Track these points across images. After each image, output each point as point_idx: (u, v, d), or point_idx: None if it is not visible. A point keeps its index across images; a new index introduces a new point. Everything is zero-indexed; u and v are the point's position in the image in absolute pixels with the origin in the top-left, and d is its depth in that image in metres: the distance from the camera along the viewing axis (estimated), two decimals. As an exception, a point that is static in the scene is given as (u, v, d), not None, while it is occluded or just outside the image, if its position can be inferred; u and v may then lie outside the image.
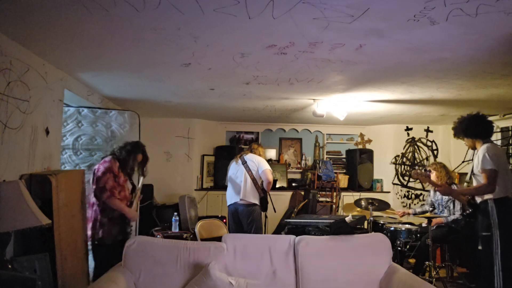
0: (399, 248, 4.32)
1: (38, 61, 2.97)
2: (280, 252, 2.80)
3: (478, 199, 3.27)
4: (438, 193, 4.45)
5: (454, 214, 4.22)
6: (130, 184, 3.40)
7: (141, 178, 3.48)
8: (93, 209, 3.14)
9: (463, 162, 5.74)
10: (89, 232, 3.16)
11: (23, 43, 2.65)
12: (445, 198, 4.35)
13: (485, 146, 3.14)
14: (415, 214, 4.75)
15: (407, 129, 6.69)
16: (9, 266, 2.14)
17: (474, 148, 3.30)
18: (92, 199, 3.15)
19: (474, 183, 3.33)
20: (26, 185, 2.45)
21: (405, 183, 6.63)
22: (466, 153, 5.68)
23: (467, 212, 4.11)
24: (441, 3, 1.89)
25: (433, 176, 4.32)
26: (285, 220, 4.00)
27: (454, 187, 4.23)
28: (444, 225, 4.25)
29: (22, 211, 2.11)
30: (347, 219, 3.10)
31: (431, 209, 4.58)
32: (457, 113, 5.08)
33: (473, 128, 3.23)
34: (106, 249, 3.10)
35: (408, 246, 4.31)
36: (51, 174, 2.85)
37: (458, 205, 4.19)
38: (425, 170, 4.10)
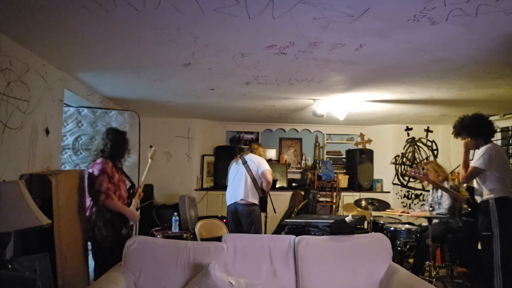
0: (399, 248, 4.32)
1: (38, 61, 2.97)
2: (280, 252, 2.80)
3: (478, 199, 3.27)
4: (435, 191, 4.47)
5: (440, 209, 4.27)
6: (129, 183, 3.32)
7: (148, 164, 3.37)
8: (92, 211, 3.08)
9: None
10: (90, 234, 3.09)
11: (23, 43, 2.65)
12: (439, 194, 4.36)
13: (487, 145, 3.16)
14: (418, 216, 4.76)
15: (407, 129, 6.69)
16: (9, 266, 2.14)
17: (476, 148, 3.29)
18: (89, 202, 3.10)
19: (475, 183, 3.34)
20: (26, 185, 2.45)
21: (405, 183, 6.63)
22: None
23: (465, 211, 4.13)
24: (441, 3, 1.89)
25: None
26: (285, 220, 4.00)
27: (445, 183, 4.24)
28: (442, 224, 4.26)
29: (22, 211, 2.10)
30: (347, 219, 3.10)
31: (429, 209, 4.57)
32: (457, 113, 5.07)
33: (480, 127, 3.24)
34: (105, 251, 3.07)
35: (408, 246, 4.31)
36: (51, 174, 2.85)
37: (447, 202, 4.23)
38: (422, 169, 4.11)
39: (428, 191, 5.41)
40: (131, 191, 3.31)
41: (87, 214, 3.13)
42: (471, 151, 3.36)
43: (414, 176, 3.81)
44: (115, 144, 3.13)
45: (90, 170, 3.07)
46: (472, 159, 3.30)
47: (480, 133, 3.24)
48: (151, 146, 3.52)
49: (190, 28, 2.31)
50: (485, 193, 3.18)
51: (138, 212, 3.36)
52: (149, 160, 3.54)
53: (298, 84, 3.72)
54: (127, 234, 3.15)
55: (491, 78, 3.35)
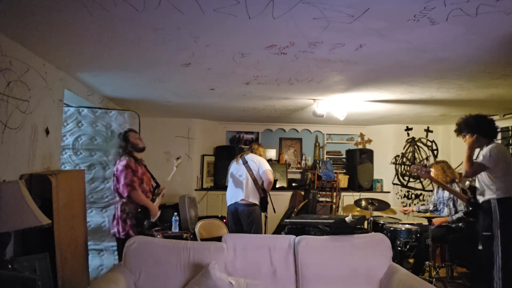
0: (399, 248, 4.32)
1: (38, 61, 2.97)
2: (280, 252, 2.80)
3: (480, 198, 3.27)
4: (440, 191, 4.46)
5: (457, 212, 4.22)
6: (154, 183, 3.60)
7: (173, 171, 4.04)
8: (116, 207, 3.30)
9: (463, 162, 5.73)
10: (114, 229, 3.28)
11: (23, 43, 2.65)
12: (446, 196, 4.35)
13: (492, 145, 3.16)
14: (418, 211, 4.76)
15: (407, 129, 6.69)
16: (9, 266, 2.14)
17: (478, 147, 3.29)
18: (117, 198, 3.31)
19: (477, 183, 3.34)
20: (26, 185, 2.45)
21: (405, 183, 6.63)
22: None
23: (466, 211, 4.11)
24: (441, 3, 1.89)
25: (431, 174, 4.30)
26: (285, 220, 4.00)
27: (454, 185, 4.23)
28: (444, 224, 4.25)
29: (22, 211, 2.11)
30: (347, 219, 3.10)
31: (432, 209, 4.57)
32: (457, 113, 5.08)
33: (482, 126, 3.24)
34: None
35: (408, 246, 4.31)
36: (51, 174, 2.85)
37: (462, 204, 4.17)
38: (425, 166, 4.09)
39: (429, 191, 5.42)
40: (156, 191, 3.59)
41: (114, 212, 3.35)
42: (476, 150, 3.36)
43: (417, 173, 3.80)
44: (121, 144, 3.39)
45: (115, 168, 3.31)
46: (476, 159, 3.30)
47: (481, 132, 3.24)
48: (178, 158, 4.17)
49: (190, 28, 2.31)
50: (487, 193, 3.17)
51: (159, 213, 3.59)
52: (174, 168, 4.14)
53: (298, 84, 3.72)
54: (147, 228, 3.35)
55: (491, 78, 3.35)
